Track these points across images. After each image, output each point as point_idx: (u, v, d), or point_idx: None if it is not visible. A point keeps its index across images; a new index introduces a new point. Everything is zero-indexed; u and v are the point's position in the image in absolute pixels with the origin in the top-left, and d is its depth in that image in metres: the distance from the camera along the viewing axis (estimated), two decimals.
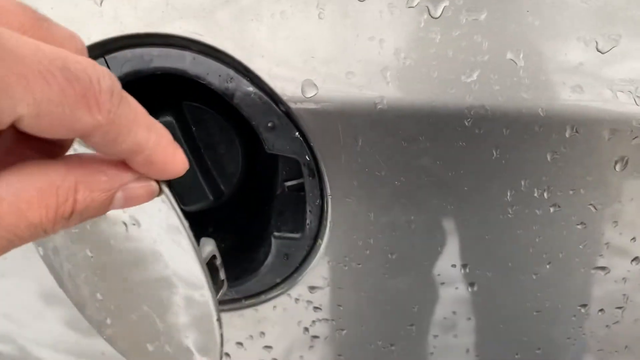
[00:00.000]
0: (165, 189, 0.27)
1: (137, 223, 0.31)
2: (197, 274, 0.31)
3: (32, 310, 0.62)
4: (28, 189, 0.20)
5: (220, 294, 0.36)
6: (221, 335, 0.33)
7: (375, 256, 0.46)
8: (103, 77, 0.21)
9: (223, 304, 0.52)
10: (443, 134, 0.39)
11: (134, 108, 0.23)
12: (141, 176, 0.24)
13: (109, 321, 0.38)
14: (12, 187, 0.20)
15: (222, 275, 0.37)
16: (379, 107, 0.39)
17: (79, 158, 0.23)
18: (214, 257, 0.35)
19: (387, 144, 0.41)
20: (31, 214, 0.20)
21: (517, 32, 0.37)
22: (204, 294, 0.31)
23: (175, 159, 0.25)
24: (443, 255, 0.46)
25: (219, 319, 0.32)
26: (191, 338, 0.35)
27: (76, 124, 0.20)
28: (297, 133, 0.42)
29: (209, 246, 0.35)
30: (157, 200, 0.27)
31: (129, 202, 0.24)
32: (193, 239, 0.30)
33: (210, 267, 0.35)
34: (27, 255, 0.55)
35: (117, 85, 0.22)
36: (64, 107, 0.19)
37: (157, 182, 0.26)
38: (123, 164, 0.24)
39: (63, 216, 0.21)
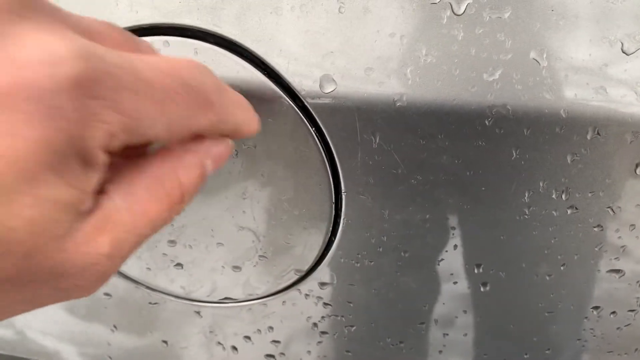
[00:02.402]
0: None
1: None
2: None
3: None
4: (138, 192, 0.22)
5: None
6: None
7: (387, 254, 0.46)
8: (209, 78, 0.23)
9: (230, 298, 0.52)
10: (463, 133, 0.39)
11: (230, 93, 0.25)
12: (215, 139, 0.26)
13: None
14: (124, 194, 0.21)
15: None
16: (398, 104, 0.38)
17: (169, 148, 0.24)
18: None
19: (405, 142, 0.40)
20: (149, 212, 0.22)
21: (541, 31, 0.37)
22: None
23: (253, 121, 0.27)
24: (457, 255, 0.45)
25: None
26: None
27: (194, 125, 0.22)
28: (313, 129, 0.41)
29: None
30: None
31: (216, 164, 0.26)
32: None
33: None
34: None
35: (216, 79, 0.24)
36: (188, 117, 0.22)
37: None
38: (199, 138, 0.25)
39: (175, 202, 0.23)
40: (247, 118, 0.27)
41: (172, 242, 0.47)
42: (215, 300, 0.52)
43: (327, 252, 0.47)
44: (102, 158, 0.19)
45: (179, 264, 0.49)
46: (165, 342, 0.58)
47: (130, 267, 0.50)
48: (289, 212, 0.46)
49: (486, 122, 0.38)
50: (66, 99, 0.17)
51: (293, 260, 0.48)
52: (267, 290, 0.50)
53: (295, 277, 0.48)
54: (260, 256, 0.48)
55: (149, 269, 0.49)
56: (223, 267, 0.49)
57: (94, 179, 0.19)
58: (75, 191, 0.18)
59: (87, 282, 0.20)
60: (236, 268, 0.49)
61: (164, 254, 0.47)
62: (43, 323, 0.64)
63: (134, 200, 0.21)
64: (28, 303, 0.20)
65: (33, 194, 0.17)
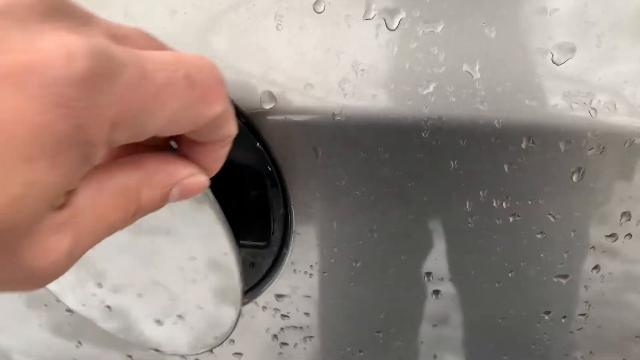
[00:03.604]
0: None
1: None
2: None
3: (16, 315, 0.61)
4: (105, 196, 0.22)
5: None
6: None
7: (340, 264, 0.47)
8: (215, 70, 0.23)
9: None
10: (401, 145, 0.40)
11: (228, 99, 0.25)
12: (195, 171, 0.26)
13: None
14: (93, 195, 0.21)
15: None
16: (337, 118, 0.39)
17: (140, 159, 0.24)
18: None
19: (347, 155, 0.41)
20: (108, 218, 0.22)
21: (473, 44, 0.37)
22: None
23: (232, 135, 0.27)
24: (406, 264, 0.46)
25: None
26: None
27: (200, 119, 0.23)
28: (258, 144, 0.42)
29: None
30: None
31: (183, 195, 0.26)
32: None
33: None
34: None
35: (221, 78, 0.24)
36: (191, 110, 0.22)
37: None
38: (179, 160, 0.26)
39: (129, 215, 0.23)
40: (233, 130, 0.26)
41: (99, 285, 0.46)
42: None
43: (281, 264, 0.48)
44: (101, 153, 0.19)
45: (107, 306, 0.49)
46: (130, 356, 0.59)
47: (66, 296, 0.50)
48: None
49: (423, 134, 0.39)
50: (75, 91, 0.17)
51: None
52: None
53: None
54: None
55: (83, 305, 0.49)
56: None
57: (84, 172, 0.19)
58: (63, 182, 0.18)
59: (37, 277, 0.20)
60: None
61: (93, 294, 0.47)
62: (26, 341, 0.65)
63: (99, 203, 0.21)
64: None
65: (25, 174, 0.17)
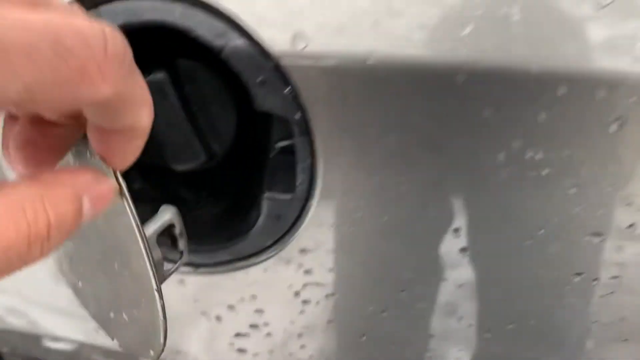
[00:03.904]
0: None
1: None
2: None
3: (44, 287, 0.62)
4: None
5: (179, 264, 0.36)
6: (162, 307, 0.32)
7: (366, 219, 0.46)
8: (113, 44, 0.20)
9: (213, 266, 0.52)
10: (434, 91, 0.39)
11: (142, 82, 0.23)
12: (96, 175, 0.24)
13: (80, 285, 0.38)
14: None
15: (181, 245, 0.36)
16: (368, 62, 0.38)
17: (38, 176, 0.23)
18: (171, 225, 0.34)
19: (378, 101, 0.40)
20: (2, 237, 0.19)
21: None
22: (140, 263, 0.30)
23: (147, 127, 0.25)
24: (435, 219, 0.45)
25: (158, 290, 0.32)
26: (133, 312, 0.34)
27: (77, 98, 0.20)
28: (287, 89, 0.41)
29: (167, 214, 0.34)
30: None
31: (96, 205, 0.24)
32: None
33: (167, 236, 0.34)
34: None
35: (129, 54, 0.21)
36: (61, 85, 0.19)
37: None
38: (79, 169, 0.24)
39: (39, 235, 0.20)
40: (142, 120, 0.24)
41: None
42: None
43: (306, 216, 0.47)
44: None
45: None
46: None
47: None
48: None
49: (457, 79, 0.38)
50: None
51: None
52: None
53: None
54: None
55: None
56: None
57: None
58: None
59: None
60: None
61: None
62: (52, 310, 0.65)
63: None
64: None
65: None
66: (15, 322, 0.68)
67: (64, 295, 0.61)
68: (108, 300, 0.36)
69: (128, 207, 0.28)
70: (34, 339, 0.69)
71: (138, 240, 0.29)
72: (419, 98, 0.39)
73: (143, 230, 0.29)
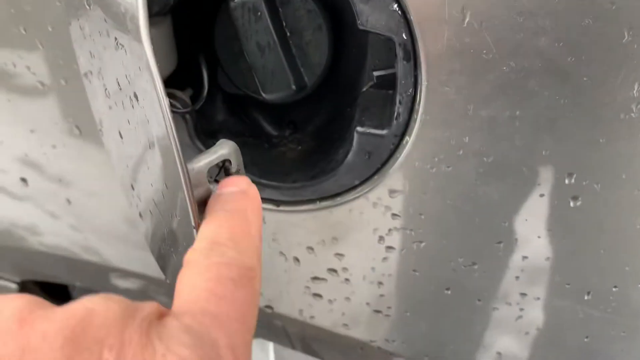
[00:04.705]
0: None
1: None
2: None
3: (118, 231, 0.61)
4: None
5: None
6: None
7: (468, 158, 0.42)
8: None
9: (295, 204, 0.50)
10: (567, 9, 0.34)
11: None
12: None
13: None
14: None
15: None
16: None
17: None
18: (227, 161, 0.32)
19: (500, 20, 0.36)
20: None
21: None
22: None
23: None
24: (547, 161, 0.41)
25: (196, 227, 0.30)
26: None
27: None
28: (395, 5, 0.38)
29: (224, 149, 0.32)
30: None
31: None
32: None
33: (223, 172, 0.32)
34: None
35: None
36: None
37: None
38: None
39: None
40: None
41: None
42: None
43: (399, 154, 0.44)
44: None
45: None
46: None
47: None
48: None
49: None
50: None
51: None
52: None
53: None
54: None
55: None
56: None
57: None
58: None
59: None
60: None
61: None
62: (125, 253, 0.64)
63: None
64: None
65: None
66: (89, 257, 0.68)
67: (134, 233, 0.61)
68: (162, 238, 0.35)
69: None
70: (104, 274, 0.69)
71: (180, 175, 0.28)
72: (548, 16, 0.35)
73: (186, 165, 0.29)
